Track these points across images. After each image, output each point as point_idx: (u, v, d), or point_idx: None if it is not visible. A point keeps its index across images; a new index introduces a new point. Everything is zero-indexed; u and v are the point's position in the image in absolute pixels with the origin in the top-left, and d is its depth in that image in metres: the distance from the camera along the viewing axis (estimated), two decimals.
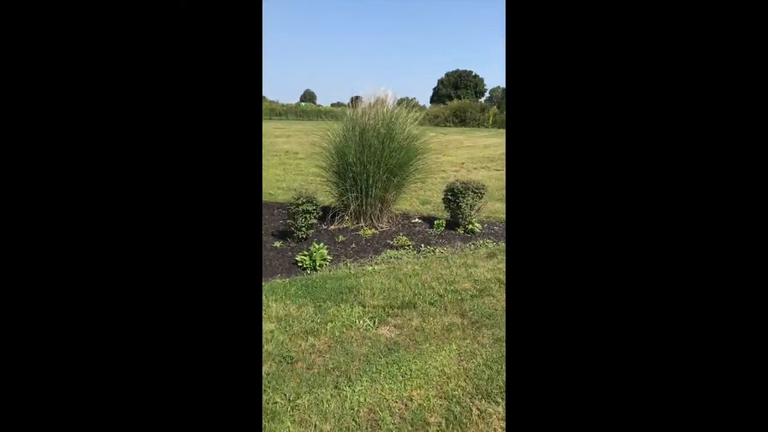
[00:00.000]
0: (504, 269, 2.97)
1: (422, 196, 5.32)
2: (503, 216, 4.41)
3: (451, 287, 2.67)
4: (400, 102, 4.05)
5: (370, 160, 3.59)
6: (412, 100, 4.26)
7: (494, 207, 4.82)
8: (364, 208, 3.76)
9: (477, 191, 3.72)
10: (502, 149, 10.52)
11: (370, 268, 2.97)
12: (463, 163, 8.43)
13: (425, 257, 3.26)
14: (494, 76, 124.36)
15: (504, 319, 2.29)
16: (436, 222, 3.87)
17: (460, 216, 3.75)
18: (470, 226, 3.75)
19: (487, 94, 52.55)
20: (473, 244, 3.54)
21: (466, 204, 3.68)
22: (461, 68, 47.35)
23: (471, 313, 2.35)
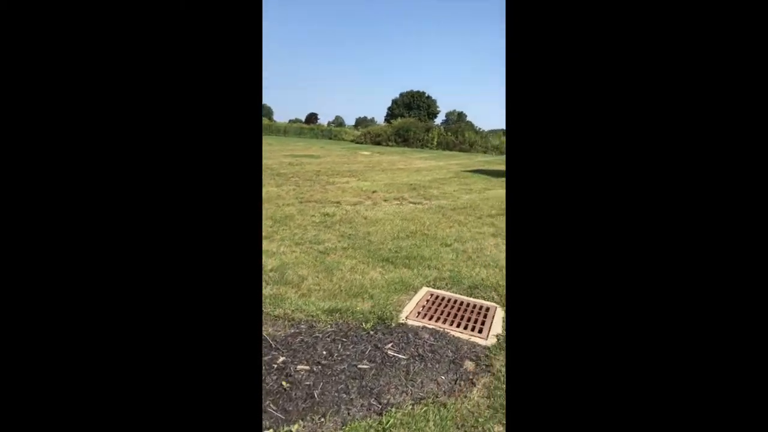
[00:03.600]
0: None
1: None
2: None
3: None
4: None
5: None
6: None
7: (373, 274, 2.61)
8: None
9: None
10: (435, 174, 8.59)
11: None
12: (374, 192, 6.32)
13: None
14: (449, 100, 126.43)
15: None
16: None
17: None
18: None
19: (443, 117, 52.21)
20: None
21: None
22: (415, 89, 46.36)
23: None
